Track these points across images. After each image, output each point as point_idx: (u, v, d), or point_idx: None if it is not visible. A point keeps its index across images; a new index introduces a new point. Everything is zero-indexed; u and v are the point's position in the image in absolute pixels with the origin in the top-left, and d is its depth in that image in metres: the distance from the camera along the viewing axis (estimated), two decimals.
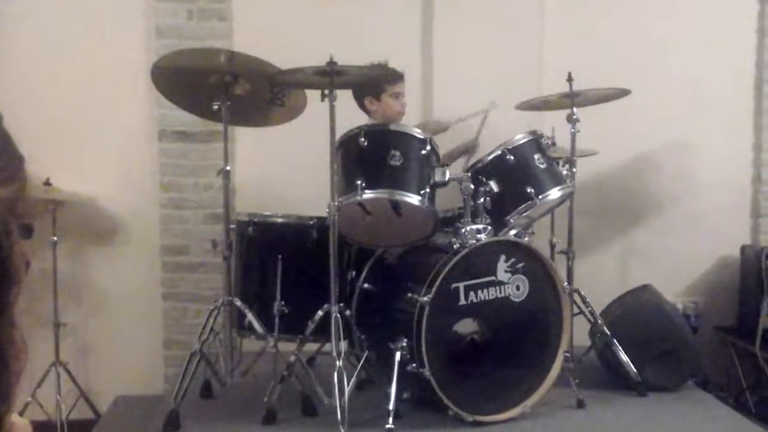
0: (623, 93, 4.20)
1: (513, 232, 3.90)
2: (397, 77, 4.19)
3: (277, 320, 3.75)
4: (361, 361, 3.73)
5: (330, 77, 3.40)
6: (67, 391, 4.67)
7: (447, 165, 3.72)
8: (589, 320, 4.22)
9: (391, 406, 3.43)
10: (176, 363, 4.70)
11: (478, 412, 3.58)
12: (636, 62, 4.96)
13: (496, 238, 3.70)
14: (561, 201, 4.09)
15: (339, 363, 3.38)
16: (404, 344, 3.54)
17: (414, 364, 3.50)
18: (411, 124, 4.14)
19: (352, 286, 3.96)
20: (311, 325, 3.67)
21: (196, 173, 4.86)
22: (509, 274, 3.64)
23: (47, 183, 4.45)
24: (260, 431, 3.58)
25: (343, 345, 3.54)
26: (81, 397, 4.75)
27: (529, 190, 3.82)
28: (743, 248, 5.07)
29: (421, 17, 4.99)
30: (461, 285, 3.55)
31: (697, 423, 3.81)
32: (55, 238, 4.54)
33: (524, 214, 3.86)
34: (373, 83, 4.15)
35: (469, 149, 4.44)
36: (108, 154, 4.86)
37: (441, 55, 4.94)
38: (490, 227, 3.72)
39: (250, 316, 3.75)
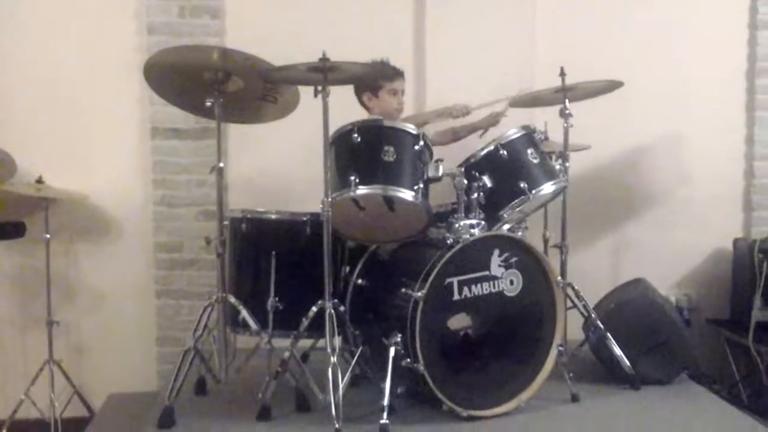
0: (616, 85, 4.20)
1: (506, 226, 3.90)
2: (395, 74, 4.20)
3: (271, 316, 3.75)
4: (356, 357, 3.73)
5: (323, 73, 3.39)
6: (61, 388, 4.68)
7: (441, 161, 3.71)
8: (582, 314, 4.23)
9: (385, 402, 3.42)
10: (170, 360, 4.72)
11: (472, 406, 3.58)
12: (628, 56, 5.00)
13: (489, 233, 3.70)
14: (554, 196, 4.09)
15: (333, 359, 3.37)
16: (398, 339, 3.54)
17: (408, 359, 3.50)
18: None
19: (346, 281, 3.96)
20: (305, 321, 3.66)
21: (189, 170, 4.86)
22: (503, 269, 3.65)
23: (39, 181, 4.46)
24: (255, 427, 3.57)
25: (338, 341, 3.54)
26: (75, 395, 4.76)
27: (522, 185, 3.82)
28: (736, 241, 5.09)
29: (413, 13, 5.00)
30: (455, 280, 3.55)
31: (690, 415, 3.82)
32: (48, 236, 4.54)
33: (517, 209, 3.86)
34: (372, 80, 4.16)
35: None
36: (100, 152, 4.86)
37: (433, 50, 4.95)
38: (483, 222, 3.73)
39: (244, 313, 3.74)
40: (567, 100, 4.13)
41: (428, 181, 3.67)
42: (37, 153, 4.69)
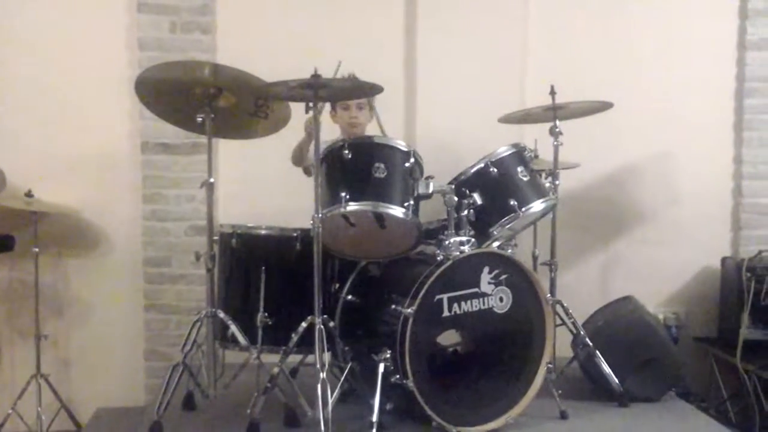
0: (606, 106, 4.23)
1: (496, 244, 3.91)
2: None
3: (260, 332, 3.74)
4: (345, 373, 3.73)
5: (314, 90, 3.40)
6: (48, 403, 4.66)
7: (432, 178, 3.72)
8: (571, 331, 4.23)
9: (374, 418, 3.43)
10: (158, 374, 4.70)
11: (461, 423, 3.58)
12: (618, 75, 5.02)
13: (479, 250, 3.70)
14: (544, 213, 4.10)
15: (322, 374, 3.37)
16: (388, 356, 3.53)
17: (397, 376, 3.50)
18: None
19: (336, 297, 3.95)
20: (295, 337, 3.66)
21: (179, 185, 4.86)
22: (492, 286, 3.65)
23: (29, 194, 4.45)
24: None
25: (327, 356, 3.53)
26: (62, 409, 4.73)
27: (512, 203, 3.83)
28: (724, 260, 5.11)
29: (404, 32, 5.01)
30: (445, 297, 3.55)
31: None
32: (37, 250, 4.53)
33: (507, 226, 3.87)
34: None
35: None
36: (90, 166, 4.85)
37: (424, 68, 4.96)
38: (473, 239, 3.73)
39: (233, 328, 3.73)
40: (557, 119, 4.15)
41: (419, 198, 3.67)
42: (27, 166, 4.68)
